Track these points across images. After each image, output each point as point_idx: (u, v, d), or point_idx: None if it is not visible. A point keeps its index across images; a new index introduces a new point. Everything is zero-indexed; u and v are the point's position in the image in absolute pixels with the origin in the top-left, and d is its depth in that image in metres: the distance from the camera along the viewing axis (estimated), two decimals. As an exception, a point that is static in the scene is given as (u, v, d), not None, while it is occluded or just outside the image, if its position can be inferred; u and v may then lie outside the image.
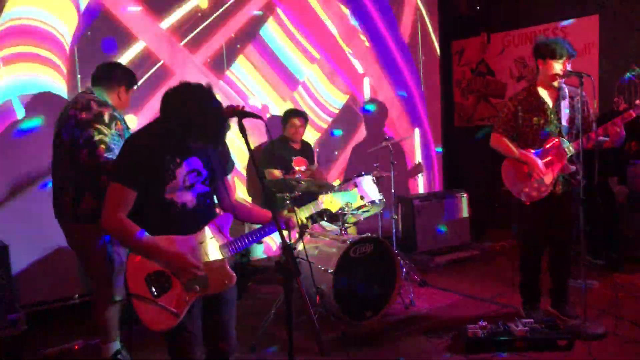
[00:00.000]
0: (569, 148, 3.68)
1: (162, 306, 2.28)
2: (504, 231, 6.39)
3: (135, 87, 3.63)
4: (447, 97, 7.16)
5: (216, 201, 2.60)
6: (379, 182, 4.52)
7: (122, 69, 3.57)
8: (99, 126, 3.19)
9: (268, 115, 5.54)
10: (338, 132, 6.12)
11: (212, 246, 2.40)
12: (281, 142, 5.04)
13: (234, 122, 2.37)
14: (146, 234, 2.27)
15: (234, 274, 2.44)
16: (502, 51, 6.61)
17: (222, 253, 2.42)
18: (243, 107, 2.39)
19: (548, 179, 3.71)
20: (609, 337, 3.59)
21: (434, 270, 5.49)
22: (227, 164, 2.58)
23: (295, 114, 5.06)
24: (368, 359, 3.52)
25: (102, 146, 3.18)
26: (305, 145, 5.26)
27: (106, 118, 3.23)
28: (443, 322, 4.06)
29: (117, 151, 3.11)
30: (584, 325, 3.61)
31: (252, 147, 2.34)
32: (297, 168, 4.85)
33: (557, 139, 3.71)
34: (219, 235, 2.44)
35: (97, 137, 3.18)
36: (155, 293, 2.28)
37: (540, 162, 3.70)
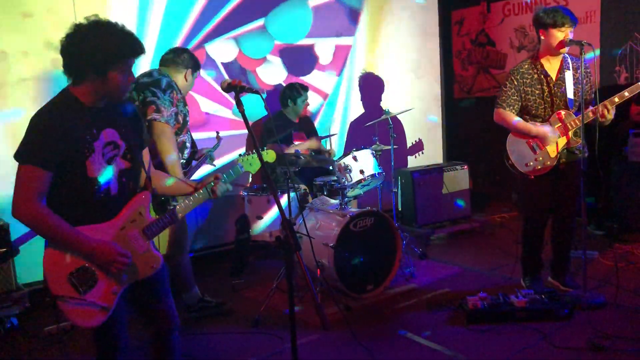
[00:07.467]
0: (574, 121, 3.65)
1: (90, 303, 2.10)
2: (505, 203, 6.40)
3: (198, 72, 3.86)
4: (447, 68, 7.09)
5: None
6: (378, 155, 4.50)
7: (189, 53, 3.80)
8: (154, 89, 3.44)
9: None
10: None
11: (135, 230, 2.23)
12: (280, 117, 5.00)
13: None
14: (66, 223, 2.05)
15: (160, 256, 2.31)
16: (502, 20, 6.51)
17: (145, 236, 2.25)
18: (240, 82, 2.35)
19: (552, 152, 3.69)
20: (609, 307, 3.61)
21: (434, 243, 5.51)
22: (142, 137, 2.37)
23: (306, 89, 5.02)
24: (370, 331, 3.55)
25: (152, 106, 3.39)
26: (305, 119, 5.21)
27: (163, 84, 3.48)
28: (443, 294, 4.09)
29: (165, 114, 3.40)
30: (584, 296, 3.62)
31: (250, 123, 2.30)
32: (296, 143, 4.82)
33: (561, 113, 3.68)
34: (140, 217, 2.25)
35: (150, 98, 3.41)
36: (80, 291, 2.09)
37: (548, 128, 3.67)
